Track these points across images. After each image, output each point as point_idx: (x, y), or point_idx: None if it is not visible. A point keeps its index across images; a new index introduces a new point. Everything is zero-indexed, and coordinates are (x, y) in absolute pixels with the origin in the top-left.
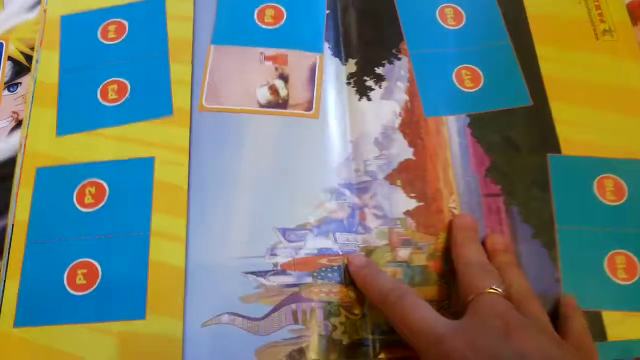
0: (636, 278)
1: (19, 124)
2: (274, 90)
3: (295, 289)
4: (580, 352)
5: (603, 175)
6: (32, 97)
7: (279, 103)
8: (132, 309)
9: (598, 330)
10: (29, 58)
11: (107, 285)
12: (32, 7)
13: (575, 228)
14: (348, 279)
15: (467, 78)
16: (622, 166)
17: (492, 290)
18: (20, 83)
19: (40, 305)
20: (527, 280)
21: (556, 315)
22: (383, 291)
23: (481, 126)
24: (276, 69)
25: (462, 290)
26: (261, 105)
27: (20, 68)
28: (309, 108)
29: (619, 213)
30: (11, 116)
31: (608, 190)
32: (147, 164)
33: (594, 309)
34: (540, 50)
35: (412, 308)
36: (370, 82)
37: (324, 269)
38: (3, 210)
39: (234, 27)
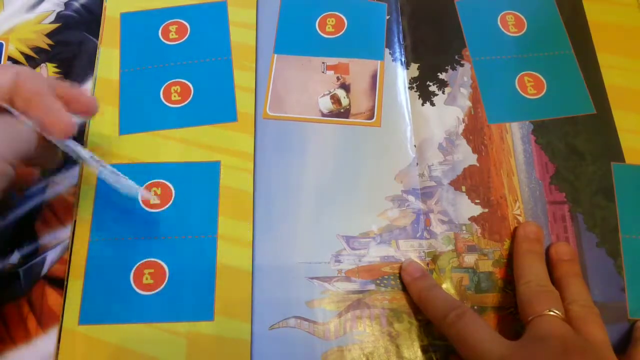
0: None
1: None
2: (335, 99)
3: (359, 295)
4: None
5: None
6: (92, 94)
7: (340, 112)
8: (200, 311)
9: None
10: (29, 58)
11: (175, 286)
12: (32, 7)
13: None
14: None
15: (529, 85)
16: None
17: (551, 313)
18: None
19: (106, 304)
20: (590, 295)
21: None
22: (442, 310)
23: (545, 133)
24: (338, 78)
25: (521, 309)
26: (323, 115)
27: None
28: (371, 116)
29: None
30: None
31: None
32: (213, 168)
33: None
34: (602, 59)
35: (471, 329)
36: (433, 88)
37: (386, 276)
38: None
39: (296, 37)
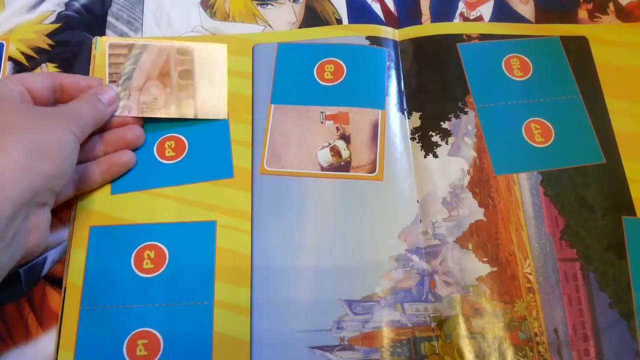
0: None
1: None
2: (335, 151)
3: None
4: None
5: None
6: None
7: (341, 165)
8: None
9: None
10: (29, 58)
11: (170, 357)
12: (33, 7)
13: None
14: (419, 354)
15: (537, 132)
16: None
17: None
18: None
19: None
20: None
21: None
22: None
23: (554, 184)
24: (337, 129)
25: None
26: (323, 168)
27: (21, 68)
28: (372, 170)
29: None
30: None
31: None
32: (208, 228)
33: None
34: (611, 104)
35: None
36: (436, 138)
37: (392, 344)
38: None
39: (293, 85)
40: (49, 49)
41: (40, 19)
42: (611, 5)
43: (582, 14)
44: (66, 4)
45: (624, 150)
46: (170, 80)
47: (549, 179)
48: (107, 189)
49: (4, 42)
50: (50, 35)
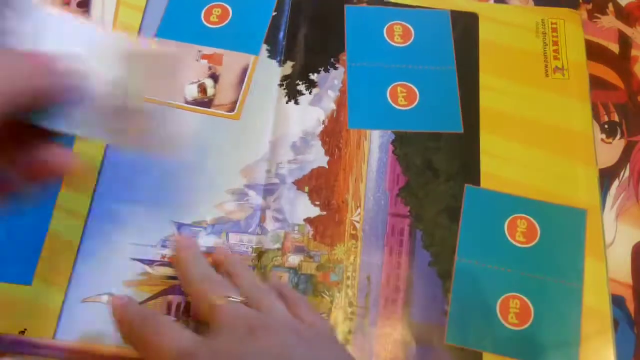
0: (527, 325)
1: None
2: (202, 88)
3: (176, 281)
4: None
5: (517, 215)
6: None
7: (204, 101)
8: (20, 273)
9: None
10: None
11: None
12: None
13: (475, 263)
14: None
15: (401, 95)
16: (539, 208)
17: (228, 299)
18: None
19: None
20: (253, 275)
21: None
22: (127, 323)
23: (405, 145)
24: (209, 68)
25: (196, 307)
26: (187, 102)
27: None
28: (232, 109)
29: (525, 255)
30: None
31: (519, 231)
32: None
33: (477, 349)
34: (484, 79)
35: (153, 330)
36: (301, 87)
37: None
38: None
39: (180, 23)
40: None
41: None
42: (610, 5)
43: (582, 14)
44: None
45: (484, 124)
46: None
47: (401, 139)
48: None
49: None
50: None
